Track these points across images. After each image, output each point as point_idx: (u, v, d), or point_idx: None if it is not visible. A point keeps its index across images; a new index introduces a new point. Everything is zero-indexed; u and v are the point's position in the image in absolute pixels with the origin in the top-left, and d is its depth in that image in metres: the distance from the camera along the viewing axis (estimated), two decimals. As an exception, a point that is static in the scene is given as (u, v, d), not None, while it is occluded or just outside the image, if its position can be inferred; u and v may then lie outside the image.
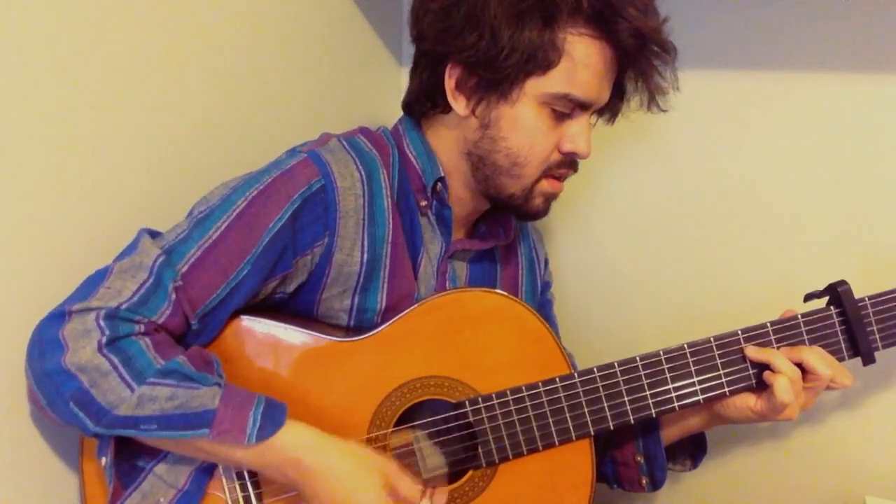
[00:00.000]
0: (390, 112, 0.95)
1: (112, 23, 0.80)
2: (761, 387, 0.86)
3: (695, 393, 0.85)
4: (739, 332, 0.86)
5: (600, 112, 0.90)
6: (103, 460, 0.70)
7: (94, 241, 0.80)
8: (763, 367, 0.85)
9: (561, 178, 0.88)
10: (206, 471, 0.76)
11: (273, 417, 0.70)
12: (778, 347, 0.86)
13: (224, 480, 0.77)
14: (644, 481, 0.96)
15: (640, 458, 0.96)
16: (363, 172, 0.83)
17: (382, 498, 0.71)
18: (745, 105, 1.09)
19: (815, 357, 0.83)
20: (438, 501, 0.75)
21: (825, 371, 0.83)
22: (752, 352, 0.85)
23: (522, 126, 0.83)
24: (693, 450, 1.00)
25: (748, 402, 0.86)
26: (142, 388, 0.67)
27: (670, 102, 0.88)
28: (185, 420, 0.67)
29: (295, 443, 0.70)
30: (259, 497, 0.77)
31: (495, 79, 0.81)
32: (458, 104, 0.85)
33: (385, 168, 0.86)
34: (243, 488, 0.77)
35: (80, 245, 0.79)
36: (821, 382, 0.84)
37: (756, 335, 0.86)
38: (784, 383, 0.82)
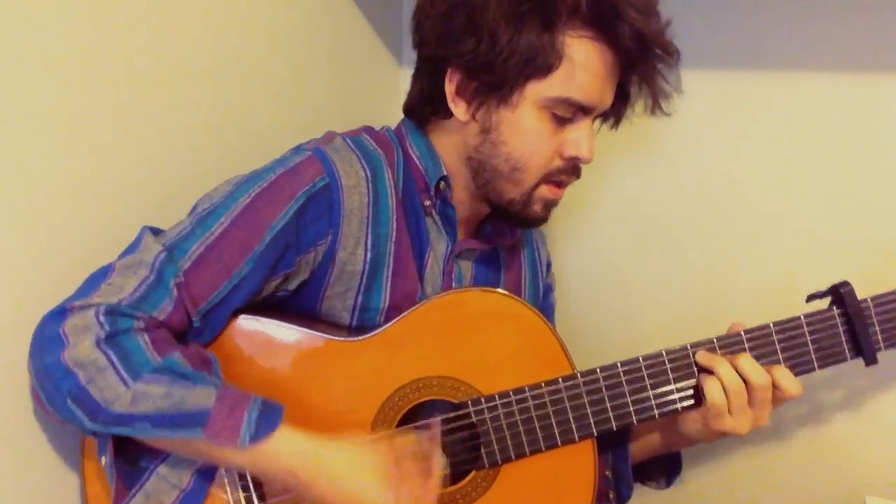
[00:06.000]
0: (390, 112, 0.96)
1: (114, 23, 0.80)
2: None
3: (697, 395, 0.85)
4: (742, 332, 0.86)
5: (604, 117, 0.90)
6: (103, 459, 0.70)
7: (97, 240, 0.80)
8: None
9: (562, 185, 0.88)
10: (209, 470, 0.75)
11: (268, 419, 0.69)
12: (779, 348, 0.85)
13: (226, 480, 0.76)
14: (611, 495, 0.97)
15: (608, 473, 0.96)
16: (368, 171, 0.83)
17: (387, 494, 0.71)
18: (746, 105, 1.09)
19: (750, 366, 0.82)
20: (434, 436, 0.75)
21: (759, 380, 0.81)
22: (701, 358, 0.84)
23: (523, 131, 0.82)
24: (669, 468, 1.00)
25: (692, 413, 0.86)
26: (137, 385, 0.66)
27: (673, 105, 0.88)
28: (178, 419, 0.67)
29: (288, 451, 0.69)
30: (261, 497, 0.77)
31: (495, 83, 0.81)
32: (459, 109, 0.85)
33: (389, 167, 0.86)
34: (244, 488, 0.76)
35: (82, 244, 0.79)
36: (762, 393, 0.82)
37: (758, 335, 0.86)
38: (713, 385, 0.82)
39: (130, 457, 0.74)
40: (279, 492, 0.77)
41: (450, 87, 0.85)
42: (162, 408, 0.66)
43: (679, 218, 1.16)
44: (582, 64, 0.80)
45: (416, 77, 0.90)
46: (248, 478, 0.77)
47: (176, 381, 0.68)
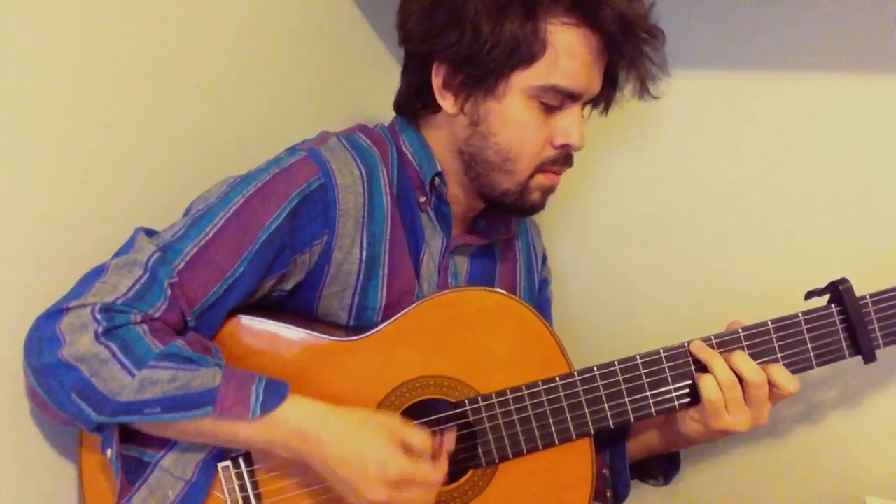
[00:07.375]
0: (390, 111, 0.96)
1: (112, 22, 0.80)
2: None
3: (694, 393, 0.85)
4: (740, 330, 0.85)
5: (594, 103, 0.90)
6: (108, 452, 0.70)
7: (92, 241, 0.80)
8: None
9: (557, 172, 0.88)
10: (213, 461, 0.76)
11: (275, 391, 0.70)
12: (778, 346, 0.85)
13: (223, 481, 0.76)
14: (608, 494, 0.96)
15: (605, 471, 0.96)
16: (363, 170, 0.83)
17: (391, 452, 0.70)
18: (746, 103, 1.09)
19: (745, 364, 0.82)
20: (448, 443, 0.74)
21: (754, 377, 0.81)
22: (696, 348, 0.84)
23: (511, 121, 0.82)
24: (667, 466, 1.00)
25: (690, 411, 0.85)
26: (142, 373, 0.67)
27: (669, 97, 0.87)
28: (188, 400, 0.67)
29: (297, 414, 0.70)
30: (258, 497, 0.77)
31: (480, 74, 0.81)
32: (447, 102, 0.85)
33: (384, 165, 0.86)
34: (242, 489, 0.77)
35: (77, 245, 0.79)
36: (758, 391, 0.81)
37: (756, 333, 0.85)
38: (709, 381, 0.81)
39: (134, 451, 0.74)
40: (277, 491, 0.77)
41: (436, 81, 0.85)
42: (170, 391, 0.67)
43: (678, 216, 1.16)
44: (566, 51, 0.80)
45: (404, 73, 0.90)
46: (246, 478, 0.77)
47: (181, 364, 0.68)
